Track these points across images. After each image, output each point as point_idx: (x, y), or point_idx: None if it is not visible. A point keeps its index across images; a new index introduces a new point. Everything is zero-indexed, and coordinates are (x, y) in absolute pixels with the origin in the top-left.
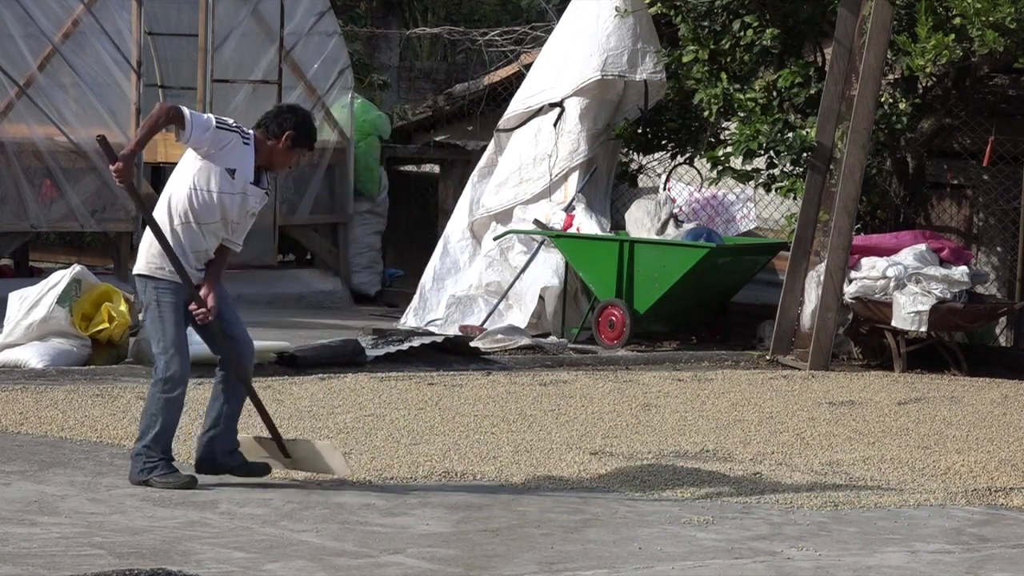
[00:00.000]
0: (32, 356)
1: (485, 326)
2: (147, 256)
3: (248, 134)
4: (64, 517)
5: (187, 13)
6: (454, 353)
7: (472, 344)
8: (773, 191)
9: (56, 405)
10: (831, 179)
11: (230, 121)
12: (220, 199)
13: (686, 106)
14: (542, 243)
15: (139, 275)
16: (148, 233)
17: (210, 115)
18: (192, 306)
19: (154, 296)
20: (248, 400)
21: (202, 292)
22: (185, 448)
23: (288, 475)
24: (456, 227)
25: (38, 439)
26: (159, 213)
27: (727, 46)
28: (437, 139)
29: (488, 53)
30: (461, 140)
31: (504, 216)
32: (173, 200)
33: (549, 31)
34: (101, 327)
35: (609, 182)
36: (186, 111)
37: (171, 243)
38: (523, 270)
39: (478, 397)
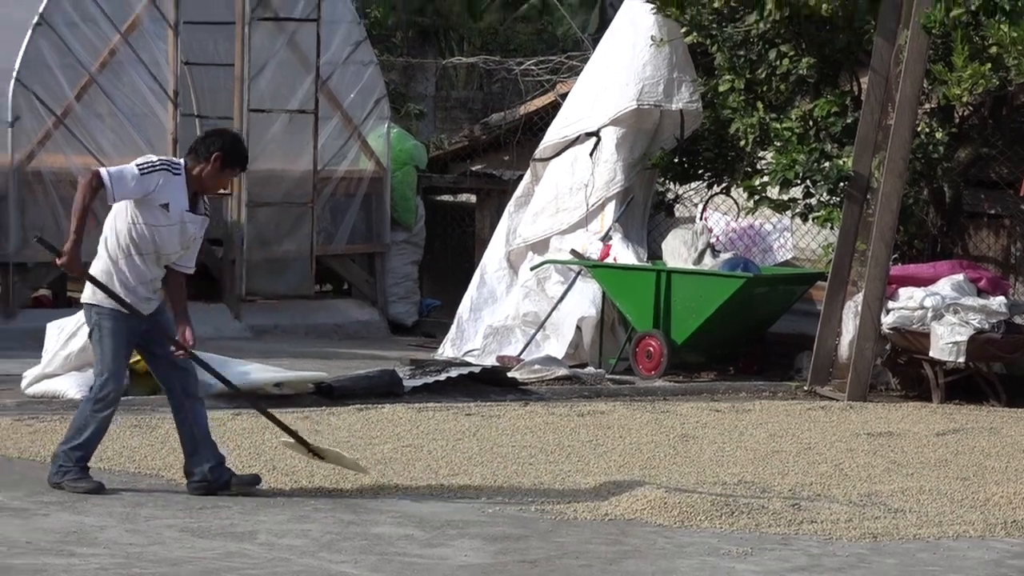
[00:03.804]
0: (70, 386)
1: (522, 356)
2: (90, 286)
3: (177, 164)
4: (103, 548)
5: (224, 43)
6: (491, 384)
7: (509, 375)
8: (810, 221)
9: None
10: (868, 209)
11: (154, 159)
12: (158, 232)
13: (722, 135)
14: (579, 273)
15: (84, 303)
16: (93, 264)
17: (132, 165)
18: (172, 348)
19: (95, 321)
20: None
21: (180, 334)
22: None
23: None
24: (493, 257)
25: None
26: (101, 253)
27: (763, 75)
28: (473, 169)
29: (524, 82)
30: (497, 170)
31: (541, 246)
32: (115, 236)
33: (585, 60)
34: (138, 358)
35: (646, 212)
36: (104, 174)
37: (116, 276)
38: (560, 300)
39: (516, 428)
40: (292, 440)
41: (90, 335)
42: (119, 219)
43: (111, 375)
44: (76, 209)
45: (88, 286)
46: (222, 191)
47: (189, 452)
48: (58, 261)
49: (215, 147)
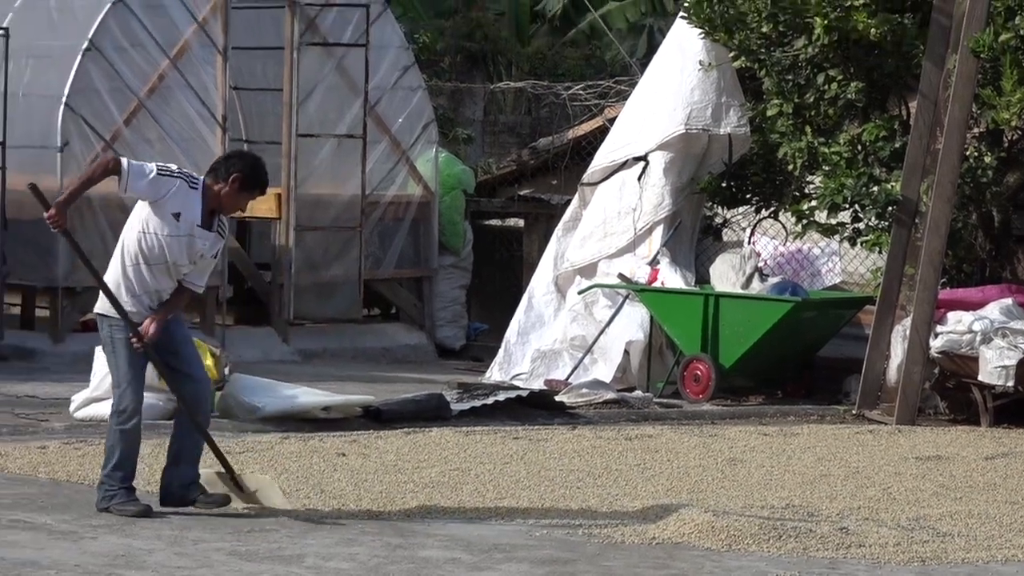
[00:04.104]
0: None
1: (570, 380)
2: (103, 297)
3: (196, 179)
4: (151, 571)
5: (272, 68)
6: (539, 407)
7: (557, 398)
8: (858, 245)
9: (142, 459)
10: (916, 233)
11: (174, 168)
12: (166, 241)
13: (770, 160)
14: (627, 297)
15: (97, 314)
16: (107, 272)
17: (153, 164)
18: (131, 337)
19: (109, 333)
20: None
21: (144, 324)
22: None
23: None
24: (541, 281)
25: None
26: (114, 259)
27: (811, 100)
28: (521, 193)
29: (572, 107)
30: (545, 194)
31: (589, 270)
32: (125, 244)
33: (633, 85)
34: None
35: (694, 236)
36: (124, 163)
37: (123, 284)
38: (608, 324)
39: (563, 451)
40: (224, 472)
41: (104, 347)
42: (131, 227)
43: (128, 385)
44: (85, 175)
45: (101, 297)
46: (240, 211)
47: (170, 462)
48: (45, 214)
49: (235, 169)
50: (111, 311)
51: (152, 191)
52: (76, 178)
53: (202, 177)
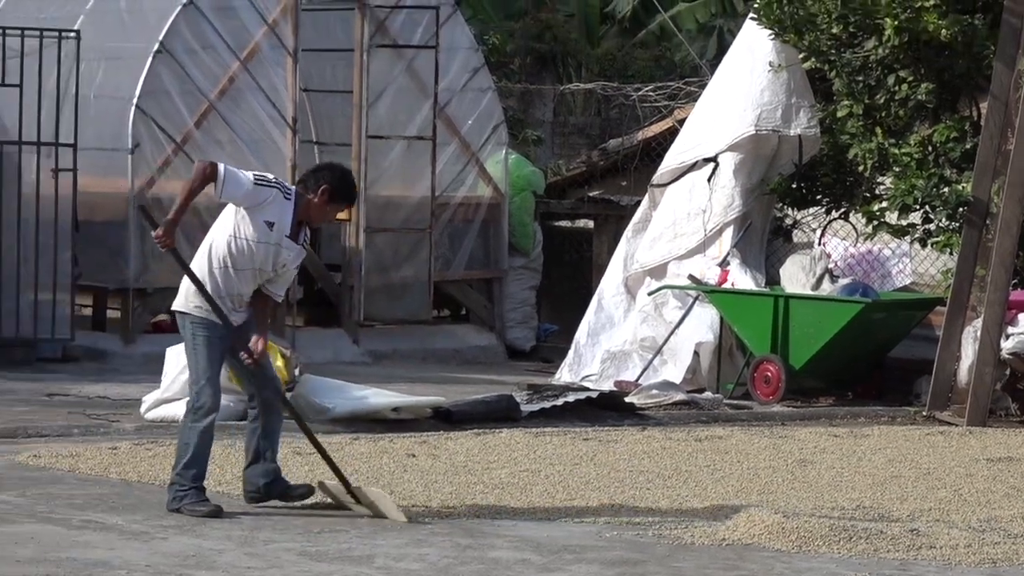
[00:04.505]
0: None
1: (640, 381)
2: (186, 295)
3: (289, 190)
4: (221, 571)
5: (342, 70)
6: (609, 408)
7: (627, 400)
8: (929, 246)
9: (213, 460)
10: (987, 234)
11: (271, 177)
12: (256, 247)
13: (841, 161)
14: (697, 298)
15: (177, 311)
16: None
17: (249, 173)
18: (242, 354)
19: (190, 331)
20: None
21: (253, 342)
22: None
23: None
24: (610, 282)
25: None
26: (200, 258)
27: (882, 101)
28: (591, 194)
29: (642, 108)
30: (615, 195)
31: (658, 271)
32: (214, 246)
33: (703, 86)
34: None
35: (764, 237)
36: (221, 169)
37: (208, 285)
38: (678, 325)
39: (633, 453)
40: (334, 482)
41: (185, 345)
42: (222, 229)
43: (207, 383)
44: (184, 189)
45: (180, 294)
46: (332, 220)
47: (251, 460)
48: (154, 233)
49: (324, 180)
50: (194, 309)
51: (248, 198)
52: (180, 193)
53: (294, 188)
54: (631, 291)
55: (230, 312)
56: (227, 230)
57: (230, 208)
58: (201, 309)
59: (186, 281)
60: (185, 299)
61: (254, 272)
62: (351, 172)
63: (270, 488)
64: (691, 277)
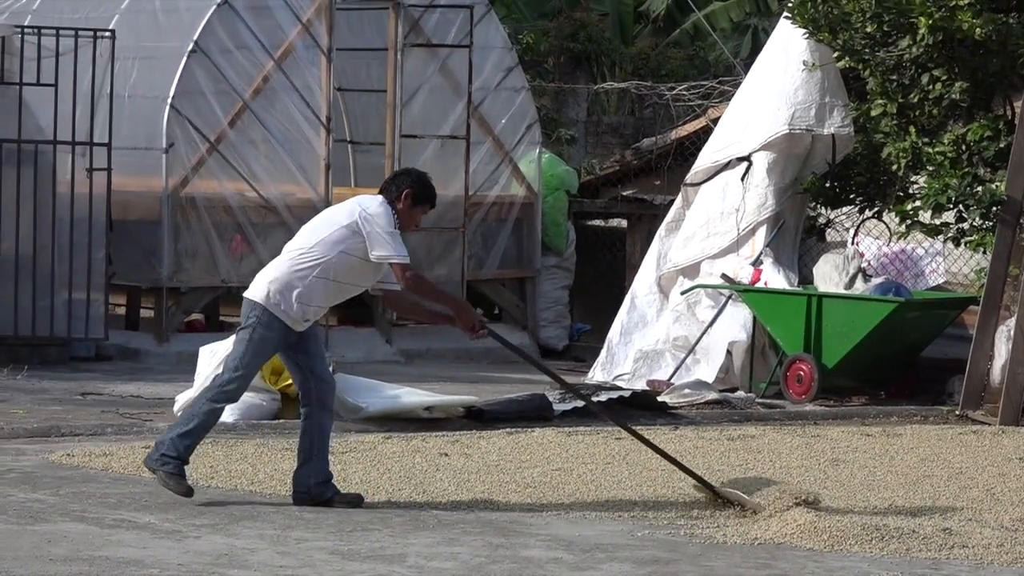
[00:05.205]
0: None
1: (672, 381)
2: (267, 288)
3: (393, 207)
4: (254, 571)
5: (376, 69)
6: (642, 408)
7: (659, 399)
8: (962, 245)
9: (246, 459)
10: (1021, 233)
11: (386, 211)
12: (363, 267)
13: (874, 160)
14: (730, 297)
15: (247, 298)
16: (273, 267)
17: (391, 228)
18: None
19: (254, 321)
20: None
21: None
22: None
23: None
24: (643, 281)
25: (228, 492)
26: (305, 262)
27: (915, 100)
28: (624, 194)
29: (675, 107)
30: (648, 195)
31: (691, 271)
32: (329, 258)
33: (736, 85)
34: (290, 381)
35: (797, 236)
36: (408, 263)
37: (301, 288)
38: (711, 324)
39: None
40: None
41: (240, 329)
42: (335, 242)
43: (243, 376)
44: (431, 302)
45: (260, 284)
46: (414, 227)
47: (302, 461)
48: (471, 336)
49: (404, 185)
50: (271, 306)
51: None
52: (435, 302)
53: (383, 198)
54: (664, 290)
55: (306, 322)
56: (341, 245)
57: (348, 229)
58: (279, 308)
59: (271, 274)
60: (266, 293)
61: (349, 287)
62: (427, 174)
63: (322, 489)
64: (724, 276)
